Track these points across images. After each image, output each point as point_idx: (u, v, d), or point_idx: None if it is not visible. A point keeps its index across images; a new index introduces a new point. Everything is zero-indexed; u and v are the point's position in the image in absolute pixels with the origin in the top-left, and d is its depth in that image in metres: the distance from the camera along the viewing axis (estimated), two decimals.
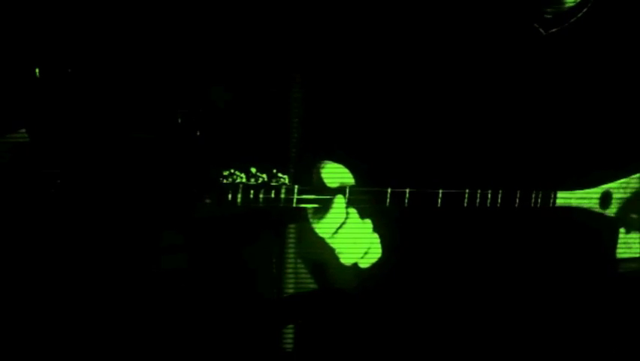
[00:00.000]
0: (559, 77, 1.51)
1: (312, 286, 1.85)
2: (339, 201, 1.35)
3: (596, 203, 1.51)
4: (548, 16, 1.49)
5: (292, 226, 1.83)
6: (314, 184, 1.36)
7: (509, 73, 1.51)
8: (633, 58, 1.53)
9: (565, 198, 1.48)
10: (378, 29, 1.56)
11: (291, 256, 1.86)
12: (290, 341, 1.84)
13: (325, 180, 1.36)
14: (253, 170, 1.29)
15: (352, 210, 1.37)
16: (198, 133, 1.81)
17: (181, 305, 1.84)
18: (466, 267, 1.54)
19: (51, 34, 1.81)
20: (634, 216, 1.52)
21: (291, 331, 1.84)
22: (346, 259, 1.39)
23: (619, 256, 1.53)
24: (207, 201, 1.27)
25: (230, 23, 1.86)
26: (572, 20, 1.50)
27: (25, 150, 1.77)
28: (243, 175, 1.28)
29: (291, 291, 1.87)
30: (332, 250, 1.39)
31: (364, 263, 1.41)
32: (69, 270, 1.80)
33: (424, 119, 1.52)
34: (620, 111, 1.52)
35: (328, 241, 1.37)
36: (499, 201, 1.43)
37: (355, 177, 1.39)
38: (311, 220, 1.35)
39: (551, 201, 1.46)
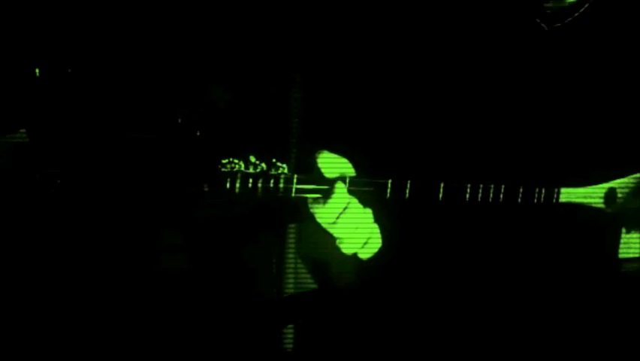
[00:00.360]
0: (563, 70, 1.51)
1: (312, 286, 1.84)
2: (341, 187, 1.35)
3: (600, 201, 1.50)
4: (551, 12, 1.49)
5: (292, 226, 1.83)
6: (313, 174, 1.36)
7: (513, 67, 1.51)
8: (638, 53, 1.52)
9: (568, 194, 1.47)
10: (380, 22, 1.56)
11: (291, 256, 1.86)
12: (290, 341, 1.83)
13: (324, 171, 1.36)
14: (252, 158, 1.28)
15: (353, 198, 1.37)
16: (198, 133, 1.82)
17: (181, 305, 1.84)
18: (467, 263, 1.53)
19: (51, 34, 1.81)
20: (637, 215, 1.52)
21: (291, 331, 1.83)
22: (347, 249, 1.38)
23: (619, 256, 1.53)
24: (205, 189, 1.26)
25: (230, 23, 1.87)
26: (576, 15, 1.50)
27: (25, 150, 1.77)
28: (241, 163, 1.28)
29: (291, 291, 1.87)
30: (333, 240, 1.38)
31: (364, 254, 1.40)
32: (69, 270, 1.80)
33: (428, 114, 1.51)
34: (626, 108, 1.52)
35: (329, 228, 1.36)
36: (502, 196, 1.42)
37: (356, 168, 1.39)
38: (311, 207, 1.35)
39: (555, 197, 1.46)
